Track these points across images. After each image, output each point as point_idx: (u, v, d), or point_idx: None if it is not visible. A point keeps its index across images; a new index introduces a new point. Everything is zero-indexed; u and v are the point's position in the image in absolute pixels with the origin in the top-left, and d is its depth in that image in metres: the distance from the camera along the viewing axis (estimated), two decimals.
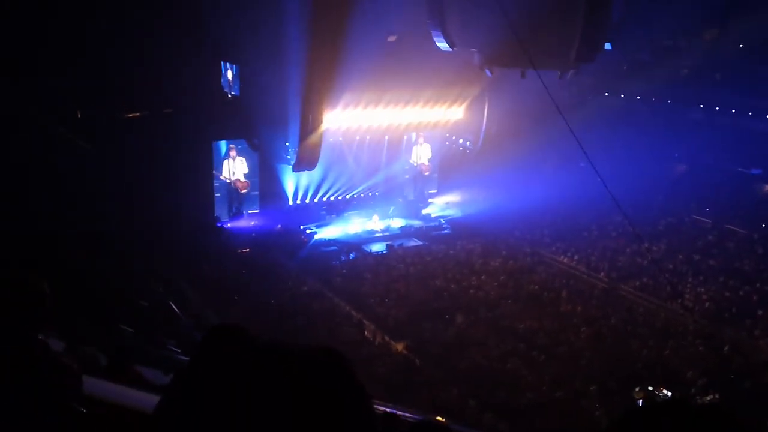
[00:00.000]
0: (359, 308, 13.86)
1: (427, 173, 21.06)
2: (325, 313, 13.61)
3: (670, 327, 13.26)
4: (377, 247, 17.95)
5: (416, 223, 19.88)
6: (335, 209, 19.68)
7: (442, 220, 20.29)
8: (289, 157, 16.98)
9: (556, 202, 19.35)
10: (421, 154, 20.80)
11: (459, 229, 19.42)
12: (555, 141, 18.25)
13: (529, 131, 19.23)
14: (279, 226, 17.81)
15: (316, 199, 19.54)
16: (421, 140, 20.81)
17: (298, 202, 19.12)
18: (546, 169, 20.31)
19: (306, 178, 18.67)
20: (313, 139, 16.46)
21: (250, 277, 14.90)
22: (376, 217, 19.59)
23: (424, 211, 20.84)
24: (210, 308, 12.65)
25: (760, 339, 12.51)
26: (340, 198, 19.99)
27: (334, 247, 17.71)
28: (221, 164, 17.58)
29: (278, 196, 18.53)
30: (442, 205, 21.13)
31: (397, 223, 19.74)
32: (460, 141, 21.03)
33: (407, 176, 21.40)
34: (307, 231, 18.23)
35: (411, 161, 20.92)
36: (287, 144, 16.80)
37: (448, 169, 21.48)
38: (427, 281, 15.26)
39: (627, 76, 21.16)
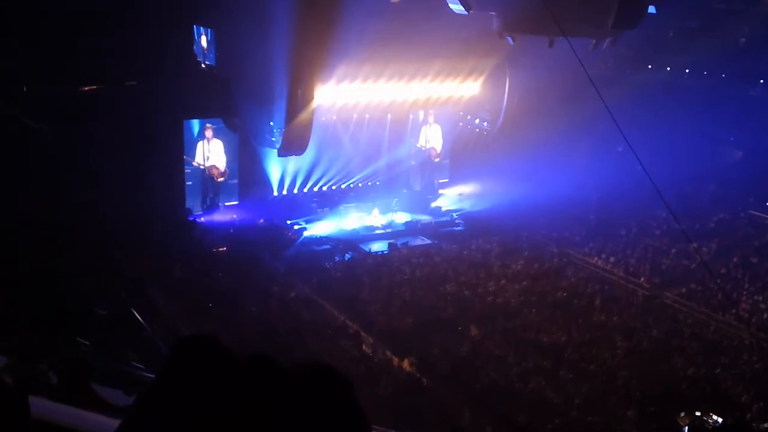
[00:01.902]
0: (356, 318, 13.93)
1: (436, 159, 21.15)
2: (317, 324, 13.68)
3: (721, 341, 13.28)
4: (378, 246, 18.10)
5: (424, 218, 20.01)
6: (328, 201, 19.79)
7: (454, 214, 20.41)
8: (274, 139, 17.04)
9: (589, 194, 19.37)
10: (430, 137, 20.88)
11: (474, 226, 19.55)
12: (588, 122, 18.17)
13: (557, 111, 19.27)
14: (262, 220, 17.96)
15: (305, 189, 19.63)
16: (430, 120, 20.86)
17: (285, 192, 19.22)
18: (577, 155, 20.35)
19: (294, 164, 18.76)
20: (302, 118, 16.48)
21: (227, 281, 15.01)
22: (376, 211, 19.69)
23: (433, 204, 20.90)
24: (180, 317, 12.75)
25: None
26: (334, 188, 20.08)
27: (327, 246, 17.86)
28: (194, 147, 17.64)
29: (261, 186, 18.63)
30: (455, 197, 21.24)
31: (401, 218, 19.88)
32: (476, 121, 21.07)
33: (413, 163, 21.42)
34: (295, 227, 18.32)
35: (418, 145, 20.98)
36: (272, 124, 16.86)
37: (462, 155, 21.49)
38: (436, 286, 15.31)
39: (674, 45, 21.20)
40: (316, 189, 19.82)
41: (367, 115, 19.50)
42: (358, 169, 20.12)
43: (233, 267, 15.72)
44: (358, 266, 16.66)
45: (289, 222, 18.42)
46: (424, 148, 20.94)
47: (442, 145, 21.17)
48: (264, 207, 18.32)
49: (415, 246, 18.20)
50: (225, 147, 17.90)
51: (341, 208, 19.67)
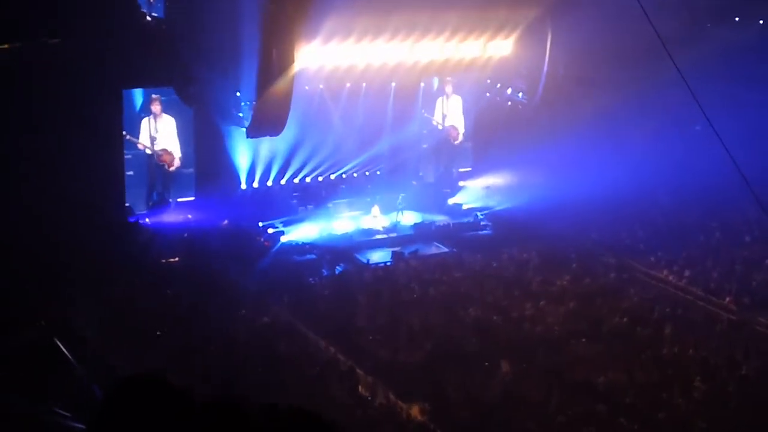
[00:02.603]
0: (350, 351, 13.96)
1: (456, 142, 21.23)
2: (298, 359, 13.73)
3: None
4: (378, 257, 18.27)
5: (439, 218, 20.14)
6: (313, 197, 19.95)
7: (479, 214, 20.50)
8: (241, 115, 17.16)
9: (655, 187, 19.43)
10: (448, 112, 20.91)
11: (506, 229, 19.64)
12: (654, 94, 18.56)
13: (613, 79, 19.36)
14: (226, 222, 18.14)
15: (283, 182, 19.76)
16: (447, 90, 20.89)
17: (256, 185, 19.36)
18: (639, 137, 20.38)
19: (268, 148, 18.91)
20: (279, 87, 16.46)
21: (180, 302, 15.05)
22: (376, 210, 19.82)
23: (451, 201, 21.02)
24: (117, 350, 12.69)
25: None
26: (320, 180, 20.22)
27: (312, 256, 18.03)
28: (137, 126, 17.74)
29: (225, 177, 18.79)
30: (480, 192, 21.27)
31: (408, 218, 20.00)
32: (508, 92, 21.06)
33: (425, 146, 21.55)
34: (270, 231, 18.47)
35: (433, 123, 21.10)
36: (239, 95, 16.96)
37: (489, 136, 21.57)
38: (455, 310, 15.39)
39: None
40: (297, 181, 19.92)
41: (364, 84, 19.57)
42: (352, 154, 20.23)
43: (188, 284, 15.74)
44: (352, 283, 16.74)
45: (261, 224, 18.52)
46: (439, 128, 21.03)
47: (464, 124, 21.15)
48: (229, 204, 18.42)
49: (428, 256, 18.26)
50: (178, 126, 18.02)
51: (330, 206, 19.78)
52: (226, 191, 18.67)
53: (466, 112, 21.15)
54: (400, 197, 20.20)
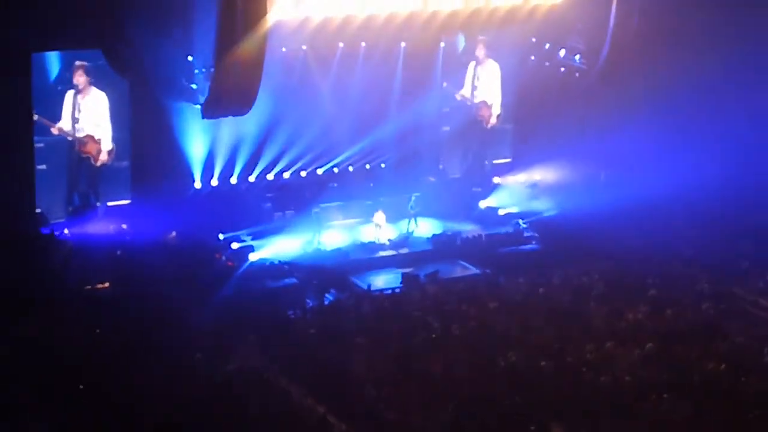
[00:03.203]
0: (345, 411, 13.80)
1: (490, 123, 21.26)
2: (275, 422, 13.45)
3: None
4: (383, 281, 18.47)
5: (467, 228, 20.28)
6: (294, 199, 20.02)
7: (521, 222, 20.56)
8: (195, 87, 17.18)
9: (765, 188, 19.77)
10: (480, 83, 20.92)
11: (558, 242, 19.81)
12: (763, 60, 19.28)
13: (707, 39, 19.73)
14: (174, 234, 18.27)
15: (252, 178, 19.91)
16: (479, 53, 20.96)
17: (216, 183, 19.50)
18: (741, 120, 20.69)
19: (232, 132, 19.02)
20: (246, 48, 16.44)
21: (111, 344, 14.93)
22: (379, 217, 19.93)
23: (484, 204, 21.15)
24: (26, 411, 12.54)
25: None
26: (303, 175, 20.36)
27: (292, 281, 18.16)
28: (54, 103, 17.80)
29: (172, 172, 18.96)
30: (523, 191, 21.39)
31: (425, 228, 20.14)
32: (561, 54, 21.15)
33: (447, 129, 21.69)
34: (235, 245, 18.60)
35: (457, 96, 21.11)
36: (191, 60, 16.99)
37: (536, 116, 21.73)
38: (489, 353, 15.31)
39: None
40: (271, 178, 20.08)
41: (364, 44, 19.67)
42: (346, 141, 20.36)
43: (122, 319, 15.68)
44: (347, 317, 16.71)
45: (222, 237, 18.69)
46: (468, 103, 21.06)
47: (500, 99, 21.14)
48: (178, 210, 18.49)
49: (452, 280, 18.37)
50: (109, 102, 18.12)
51: (317, 211, 19.79)
52: (175, 192, 18.80)
53: (503, 83, 21.11)
54: (413, 199, 20.24)
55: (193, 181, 19.20)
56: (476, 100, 21.04)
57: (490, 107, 21.09)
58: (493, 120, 21.23)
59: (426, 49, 20.52)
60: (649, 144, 19.93)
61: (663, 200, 19.07)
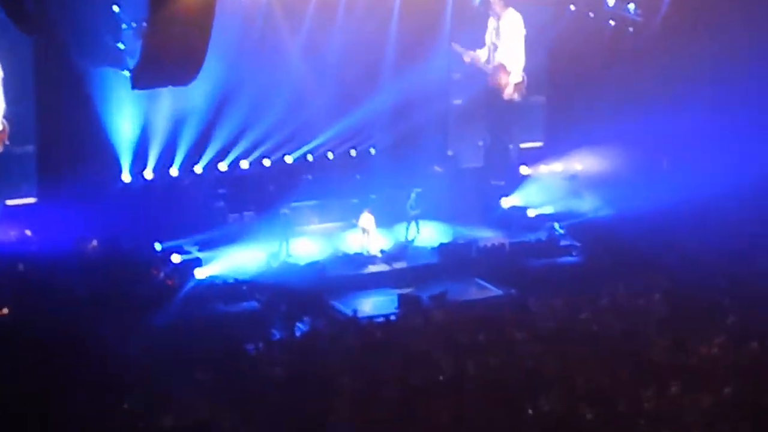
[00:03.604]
0: None
1: (514, 96, 21.27)
2: None
3: None
4: (374, 305, 18.66)
5: (485, 234, 20.64)
6: (255, 197, 20.51)
7: (557, 226, 20.90)
8: (122, 47, 16.94)
9: None
10: (500, 42, 21.06)
11: (605, 253, 19.88)
12: None
13: None
14: (94, 243, 18.63)
15: (199, 168, 20.20)
16: (497, 4, 21.01)
17: (150, 175, 19.85)
18: None
19: (172, 107, 19.33)
20: None
21: (14, 385, 14.66)
22: (367, 220, 20.26)
23: (507, 202, 21.54)
24: None
25: None
26: (267, 164, 20.70)
27: (253, 304, 18.48)
28: None
29: (92, 160, 19.25)
30: (559, 185, 21.84)
31: (429, 235, 20.61)
32: (609, 3, 21.37)
33: (458, 102, 21.81)
34: (176, 258, 18.95)
35: (467, 59, 21.30)
36: (117, 11, 16.81)
37: (575, 85, 21.87)
38: (514, 399, 14.97)
39: None
40: (224, 167, 20.40)
41: None
42: (323, 118, 20.55)
43: (26, 353, 15.51)
44: (326, 353, 16.62)
45: (160, 247, 19.14)
46: (484, 68, 21.01)
47: (526, 62, 21.26)
48: (99, 211, 18.85)
49: (465, 303, 18.51)
50: (6, 71, 18.38)
51: (285, 212, 20.15)
52: (95, 187, 19.10)
53: (529, 42, 21.21)
54: (413, 196, 20.67)
55: (120, 173, 19.25)
56: (494, 64, 21.19)
57: (508, 73, 21.06)
58: (509, 90, 21.17)
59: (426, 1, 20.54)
60: (725, 122, 20.27)
61: (738, 198, 19.55)
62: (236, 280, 18.58)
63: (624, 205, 20.65)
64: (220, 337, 16.97)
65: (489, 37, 21.47)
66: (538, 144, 22.79)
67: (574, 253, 20.26)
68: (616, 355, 16.12)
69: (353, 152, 20.78)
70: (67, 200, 18.64)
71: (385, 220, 20.03)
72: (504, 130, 21.87)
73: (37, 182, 19.16)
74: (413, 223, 20.24)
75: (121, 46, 16.90)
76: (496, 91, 21.52)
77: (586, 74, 22.07)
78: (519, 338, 16.70)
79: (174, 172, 19.69)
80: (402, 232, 20.16)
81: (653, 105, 20.64)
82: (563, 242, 20.40)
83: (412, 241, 20.12)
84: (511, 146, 22.14)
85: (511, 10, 21.32)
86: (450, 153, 22.05)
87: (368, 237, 19.83)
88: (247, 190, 20.27)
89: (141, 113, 18.95)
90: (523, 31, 21.60)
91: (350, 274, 19.27)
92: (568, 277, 19.33)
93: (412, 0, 20.52)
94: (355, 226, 20.05)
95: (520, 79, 21.43)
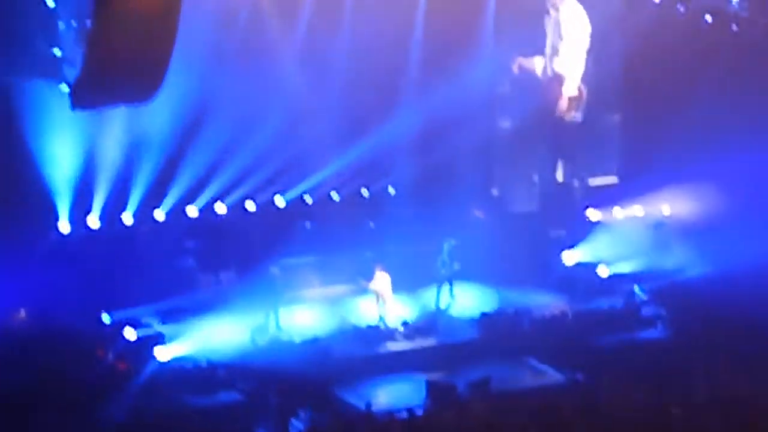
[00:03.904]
0: None
1: (570, 114, 20.21)
2: None
3: None
4: (392, 396, 18.25)
5: (540, 300, 19.96)
6: (234, 251, 19.84)
7: (638, 289, 20.14)
8: (59, 54, 17.18)
9: None
10: (562, 45, 19.95)
11: (703, 326, 19.11)
12: None
13: None
14: (22, 313, 18.40)
15: (160, 214, 19.34)
16: None
17: (96, 223, 19.21)
18: None
19: (125, 134, 18.90)
20: None
21: None
22: (383, 281, 19.56)
23: (571, 257, 20.76)
24: None
25: None
26: (251, 208, 20.11)
27: (232, 395, 18.19)
28: None
29: (21, 205, 18.80)
30: (641, 234, 20.79)
31: (467, 301, 20.06)
32: None
33: (506, 125, 20.64)
34: (130, 333, 18.49)
35: (515, 70, 20.30)
36: (53, 8, 17.05)
37: (660, 100, 20.68)
38: None
39: None
40: (193, 212, 19.64)
41: None
42: (326, 148, 19.97)
43: None
44: None
45: (108, 319, 18.65)
46: (539, 77, 19.76)
47: (584, 70, 19.93)
48: (29, 271, 18.55)
49: (516, 392, 18.21)
50: None
51: (275, 271, 19.62)
52: (23, 240, 18.65)
53: (598, 43, 19.34)
54: (446, 249, 19.99)
55: (57, 221, 18.49)
56: (555, 71, 19.42)
57: (561, 84, 18.85)
58: (563, 105, 18.81)
59: None
60: None
61: None
62: (210, 363, 18.06)
63: (725, 261, 20.00)
64: None
65: (551, 37, 19.00)
66: (612, 179, 21.15)
67: (659, 326, 19.59)
68: None
69: (365, 192, 21.34)
70: None
71: (407, 282, 19.19)
72: (566, 162, 19.37)
73: None
74: (446, 286, 19.50)
75: (57, 52, 17.24)
76: (559, 109, 19.11)
77: (673, 86, 19.61)
78: None
79: (127, 219, 18.70)
80: (431, 299, 19.43)
81: (765, 128, 18.03)
82: (646, 311, 19.65)
83: (445, 309, 19.40)
84: (575, 183, 19.62)
85: (572, 2, 18.92)
86: (495, 192, 21.10)
87: (385, 304, 19.04)
88: (224, 243, 19.23)
89: (84, 141, 18.18)
90: (588, 29, 18.90)
91: (362, 355, 18.65)
92: (652, 359, 18.71)
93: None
94: (367, 290, 19.22)
95: (577, 93, 19.36)
